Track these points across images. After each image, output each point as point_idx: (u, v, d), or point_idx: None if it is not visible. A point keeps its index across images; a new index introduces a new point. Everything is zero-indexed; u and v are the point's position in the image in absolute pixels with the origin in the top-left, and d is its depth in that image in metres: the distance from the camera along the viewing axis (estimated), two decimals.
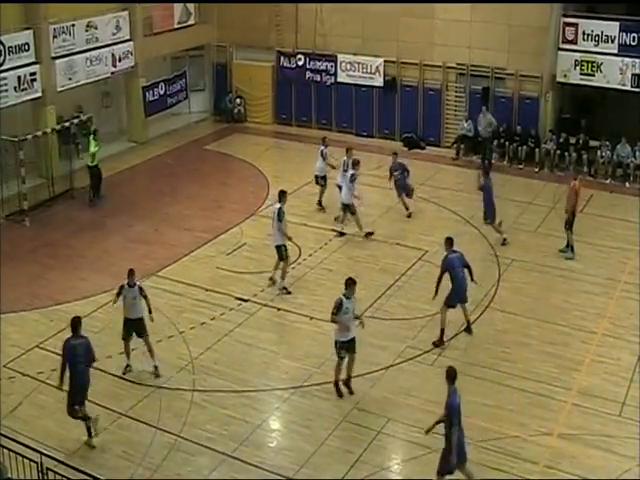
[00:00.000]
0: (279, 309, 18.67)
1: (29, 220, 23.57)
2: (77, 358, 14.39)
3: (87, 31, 27.64)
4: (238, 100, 32.58)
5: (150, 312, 16.59)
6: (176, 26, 31.56)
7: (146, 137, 30.42)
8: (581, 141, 27.04)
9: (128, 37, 29.24)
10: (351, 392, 15.77)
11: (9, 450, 12.22)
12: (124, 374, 16.54)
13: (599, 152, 26.58)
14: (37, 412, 15.44)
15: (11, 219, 23.86)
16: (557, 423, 14.88)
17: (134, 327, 16.51)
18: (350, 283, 15.50)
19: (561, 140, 27.23)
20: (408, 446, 14.47)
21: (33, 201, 24.25)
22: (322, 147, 24.01)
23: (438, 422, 13.05)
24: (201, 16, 32.59)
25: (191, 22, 32.24)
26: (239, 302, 19.00)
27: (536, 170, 27.21)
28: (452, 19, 28.49)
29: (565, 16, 26.69)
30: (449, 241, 17.48)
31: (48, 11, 25.96)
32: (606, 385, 15.95)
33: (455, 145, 28.60)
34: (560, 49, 26.86)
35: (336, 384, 15.74)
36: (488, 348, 17.15)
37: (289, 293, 19.31)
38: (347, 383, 15.82)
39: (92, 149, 24.61)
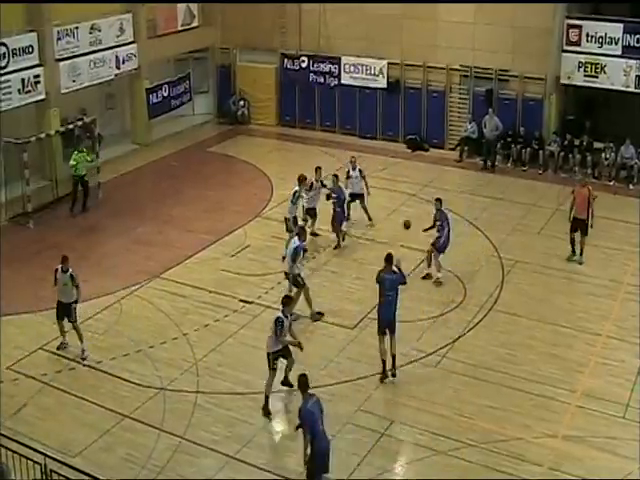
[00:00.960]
0: (291, 314, 18.61)
1: (33, 222, 23.57)
2: None
3: (91, 33, 27.70)
4: (242, 102, 32.58)
5: (76, 302, 17.28)
6: (180, 28, 31.58)
7: (150, 139, 30.43)
8: (585, 143, 26.99)
9: (132, 39, 29.28)
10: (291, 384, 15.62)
11: (13, 452, 12.22)
12: (58, 349, 17.36)
13: (603, 154, 26.56)
14: (41, 414, 15.44)
15: (15, 221, 23.87)
16: (561, 425, 14.85)
17: (64, 310, 17.25)
18: (287, 302, 15.62)
19: (565, 142, 27.22)
20: (412, 448, 14.47)
21: (37, 203, 24.24)
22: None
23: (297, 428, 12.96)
24: (205, 18, 32.61)
25: (195, 24, 32.27)
26: (243, 304, 19.00)
27: (540, 172, 27.18)
28: (456, 21, 28.46)
29: (569, 18, 26.69)
30: (388, 259, 16.32)
31: (52, 13, 25.99)
32: (610, 387, 15.92)
33: (459, 147, 28.57)
34: (564, 51, 26.87)
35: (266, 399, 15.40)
36: (492, 350, 17.12)
37: (322, 315, 18.61)
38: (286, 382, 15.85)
39: (71, 162, 24.50)
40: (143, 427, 14.95)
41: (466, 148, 28.36)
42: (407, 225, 19.63)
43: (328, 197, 21.74)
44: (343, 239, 21.82)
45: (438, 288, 19.64)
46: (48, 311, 18.49)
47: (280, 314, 15.37)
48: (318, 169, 21.98)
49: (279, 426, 15.35)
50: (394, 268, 16.24)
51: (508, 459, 13.96)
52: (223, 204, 24.37)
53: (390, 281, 16.13)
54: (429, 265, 19.91)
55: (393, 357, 16.18)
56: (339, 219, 21.68)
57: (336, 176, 22.06)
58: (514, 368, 16.48)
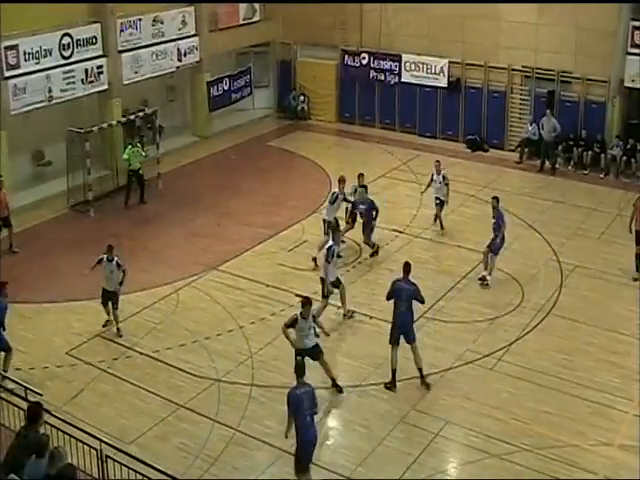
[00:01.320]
0: (339, 307, 18.63)
1: (93, 211, 23.92)
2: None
3: (153, 25, 27.99)
4: (302, 97, 32.63)
5: (121, 284, 17.76)
6: (241, 22, 31.76)
7: (210, 132, 30.63)
8: None
9: (193, 32, 29.52)
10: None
11: (70, 436, 12.38)
12: (104, 327, 17.97)
13: None
14: (98, 400, 15.66)
15: (76, 209, 24.27)
16: (617, 434, 14.63)
17: (108, 297, 17.81)
18: (305, 303, 15.24)
19: (628, 146, 26.81)
20: (466, 450, 14.37)
21: (98, 192, 24.61)
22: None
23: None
24: (266, 13, 32.74)
25: (256, 19, 32.41)
26: (299, 299, 18.87)
27: (601, 176, 26.81)
28: (518, 21, 28.18)
29: (634, 20, 26.22)
30: (406, 267, 15.98)
31: (115, 5, 26.30)
32: None
33: (519, 149, 28.31)
34: (628, 53, 26.40)
35: None
36: (549, 355, 16.93)
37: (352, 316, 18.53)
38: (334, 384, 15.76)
39: (124, 156, 24.71)
40: (198, 417, 15.07)
41: (526, 150, 28.07)
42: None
43: (353, 209, 21.13)
44: (376, 251, 21.26)
45: (494, 290, 19.48)
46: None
47: (298, 316, 15.20)
48: (361, 175, 21.62)
49: (331, 422, 15.33)
50: (411, 279, 15.93)
51: (562, 465, 13.79)
52: (281, 198, 24.45)
53: (407, 292, 15.70)
54: (486, 267, 19.76)
55: (420, 370, 15.84)
56: (368, 230, 21.09)
57: (364, 187, 21.38)
58: (571, 374, 16.28)
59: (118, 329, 17.88)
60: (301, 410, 12.82)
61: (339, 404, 15.64)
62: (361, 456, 14.11)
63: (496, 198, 19.93)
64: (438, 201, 22.39)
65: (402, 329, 15.64)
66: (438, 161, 22.93)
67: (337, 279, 18.02)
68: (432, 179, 22.51)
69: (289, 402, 12.91)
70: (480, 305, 18.80)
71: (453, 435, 14.67)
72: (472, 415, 15.10)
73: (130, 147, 24.57)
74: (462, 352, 16.95)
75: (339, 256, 18.74)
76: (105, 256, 17.66)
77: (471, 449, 14.30)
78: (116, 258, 17.67)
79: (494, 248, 19.64)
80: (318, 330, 15.59)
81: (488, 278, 19.65)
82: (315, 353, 15.45)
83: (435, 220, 22.68)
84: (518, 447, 14.22)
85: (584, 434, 14.57)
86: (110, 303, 17.87)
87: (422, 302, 16.02)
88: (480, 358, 16.81)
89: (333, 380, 15.75)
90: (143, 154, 24.81)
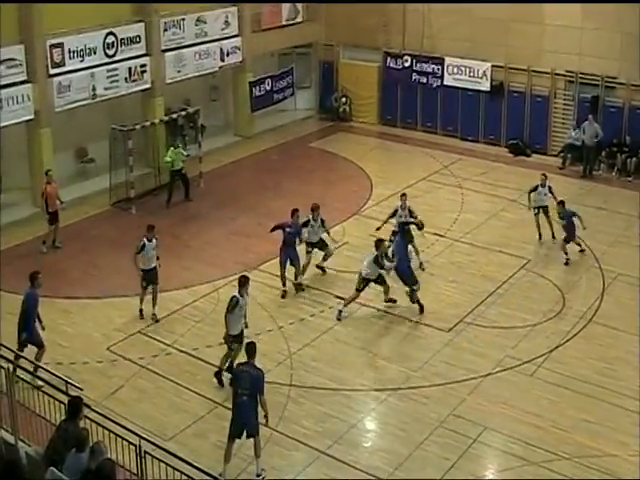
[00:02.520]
0: (379, 310, 18.64)
1: (135, 208, 24.09)
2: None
3: (197, 25, 28.13)
4: (344, 99, 32.60)
5: (158, 258, 18.37)
6: (284, 23, 31.80)
7: (252, 132, 30.72)
8: None
9: (236, 32, 29.62)
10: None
11: (109, 431, 12.44)
12: (141, 318, 18.36)
13: None
14: (137, 396, 15.77)
15: (118, 206, 24.46)
16: None
17: (149, 277, 18.28)
18: (243, 281, 16.07)
19: None
20: (504, 457, 14.27)
21: (140, 189, 24.76)
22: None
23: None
24: (309, 14, 32.76)
25: (299, 20, 32.45)
26: (339, 300, 19.03)
27: None
28: (562, 25, 27.92)
29: None
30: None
31: (159, 5, 26.49)
32: None
33: (562, 154, 28.07)
34: None
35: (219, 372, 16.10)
36: (590, 362, 16.76)
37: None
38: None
39: (166, 158, 24.69)
40: None
41: (569, 155, 27.82)
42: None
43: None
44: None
45: (534, 297, 19.36)
46: (148, 296, 18.87)
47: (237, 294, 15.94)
48: (403, 196, 20.68)
49: (369, 425, 15.33)
50: None
51: (601, 475, 13.65)
52: (322, 200, 24.27)
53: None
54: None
55: None
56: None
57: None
58: (612, 383, 16.09)
59: (154, 314, 18.31)
60: (236, 387, 13.46)
61: (377, 407, 15.62)
62: (398, 459, 14.07)
63: (562, 202, 20.78)
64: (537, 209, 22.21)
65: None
66: (544, 174, 22.78)
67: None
68: (536, 189, 22.19)
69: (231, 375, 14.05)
70: (520, 311, 18.67)
71: (491, 441, 14.58)
72: (511, 422, 14.99)
73: (172, 149, 24.60)
74: (502, 358, 16.83)
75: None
76: (146, 237, 18.24)
77: (509, 456, 14.19)
78: (155, 240, 18.31)
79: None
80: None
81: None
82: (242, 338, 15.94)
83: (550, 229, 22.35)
84: (557, 455, 14.10)
85: (625, 444, 14.40)
86: (151, 285, 18.30)
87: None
88: (520, 364, 16.67)
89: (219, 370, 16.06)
90: (185, 154, 24.87)
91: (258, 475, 13.73)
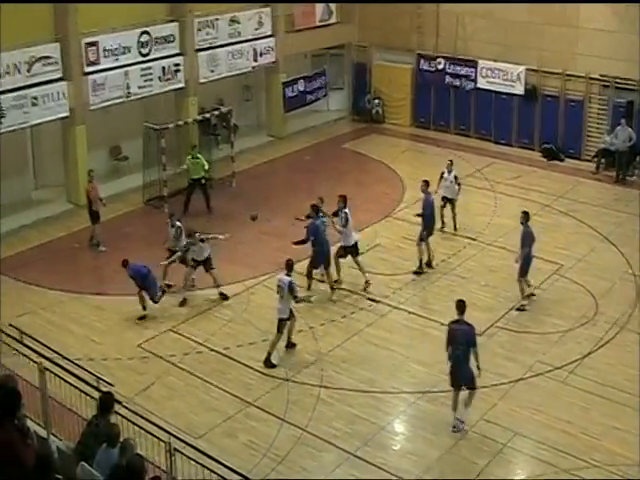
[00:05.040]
0: (410, 312, 18.61)
1: (168, 206, 24.13)
2: None
3: (230, 25, 28.26)
4: (377, 101, 32.55)
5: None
6: (317, 24, 31.83)
7: (285, 132, 30.78)
8: None
9: (270, 33, 29.71)
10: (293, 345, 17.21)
11: (139, 427, 12.51)
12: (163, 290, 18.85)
13: None
14: (168, 393, 15.86)
15: (151, 204, 24.59)
16: None
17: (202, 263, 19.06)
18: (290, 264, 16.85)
19: None
20: (534, 463, 14.20)
21: (172, 188, 24.80)
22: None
23: None
24: (342, 15, 32.76)
25: (332, 21, 32.46)
26: (370, 302, 19.04)
27: None
28: (597, 29, 27.66)
29: None
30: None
31: (194, 5, 26.61)
32: None
33: (595, 159, 27.85)
34: None
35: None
36: (622, 370, 16.58)
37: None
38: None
39: (184, 165, 24.44)
40: (266, 416, 15.17)
41: (603, 160, 27.60)
42: (253, 218, 21.03)
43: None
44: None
45: (567, 302, 19.18)
46: (180, 294, 18.99)
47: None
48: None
49: (399, 427, 15.31)
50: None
51: None
52: (355, 201, 24.18)
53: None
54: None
55: None
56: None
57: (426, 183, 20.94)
58: None
59: (220, 293, 19.24)
60: (452, 343, 14.67)
61: (407, 409, 15.59)
62: (427, 463, 14.04)
63: (526, 213, 19.28)
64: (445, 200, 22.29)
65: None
66: (451, 160, 22.95)
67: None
68: (442, 177, 22.37)
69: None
70: (552, 316, 18.55)
71: (521, 447, 14.50)
72: (542, 428, 14.89)
73: (190, 157, 24.20)
74: (533, 363, 16.73)
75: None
76: (169, 221, 19.57)
77: (539, 462, 14.11)
78: (178, 223, 19.12)
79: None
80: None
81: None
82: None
83: (443, 223, 22.44)
84: (588, 463, 13.98)
85: None
86: (205, 268, 19.06)
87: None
88: (551, 370, 16.56)
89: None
90: (205, 168, 24.31)
91: (454, 427, 14.70)
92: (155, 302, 18.44)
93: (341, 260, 19.86)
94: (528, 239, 18.81)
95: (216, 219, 23.77)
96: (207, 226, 22.90)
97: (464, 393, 14.86)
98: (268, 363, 16.61)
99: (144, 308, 18.47)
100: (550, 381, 16.28)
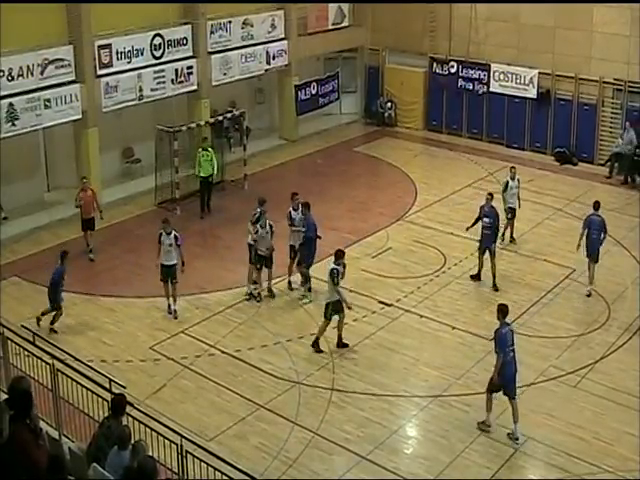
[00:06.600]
0: (422, 316, 18.57)
1: (180, 209, 24.21)
2: None
3: (243, 28, 28.27)
4: (389, 104, 32.50)
5: (183, 264, 18.41)
6: (330, 27, 31.83)
7: (297, 135, 30.77)
8: None
9: (282, 36, 29.70)
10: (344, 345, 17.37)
11: (151, 429, 12.50)
12: (169, 313, 18.60)
13: None
14: (179, 396, 15.86)
15: (163, 207, 24.58)
16: None
17: (167, 273, 18.38)
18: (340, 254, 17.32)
19: None
20: (546, 467, 14.14)
21: (184, 191, 24.86)
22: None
23: None
24: (355, 19, 32.76)
25: (345, 24, 32.45)
26: (382, 306, 19.00)
27: None
28: (611, 33, 27.61)
29: None
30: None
31: (206, 7, 26.64)
32: None
33: (609, 163, 27.75)
34: None
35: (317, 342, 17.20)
36: (634, 375, 16.49)
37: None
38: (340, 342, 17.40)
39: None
40: (277, 418, 15.15)
41: (616, 164, 27.51)
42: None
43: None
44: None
45: (579, 307, 19.23)
46: (192, 296, 19.05)
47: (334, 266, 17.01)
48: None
49: (412, 431, 15.27)
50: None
51: None
52: (367, 205, 24.41)
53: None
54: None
55: None
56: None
57: (491, 195, 20.53)
58: None
59: (175, 310, 18.60)
60: (505, 346, 14.61)
61: (419, 413, 15.54)
62: (439, 467, 13.99)
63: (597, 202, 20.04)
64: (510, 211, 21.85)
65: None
66: (513, 166, 22.67)
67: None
68: (507, 187, 21.98)
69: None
70: (564, 321, 18.49)
71: (533, 452, 14.45)
72: (554, 432, 14.83)
73: (200, 150, 24.25)
74: (545, 368, 16.68)
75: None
76: (163, 230, 18.32)
77: (552, 467, 14.05)
78: (174, 232, 18.35)
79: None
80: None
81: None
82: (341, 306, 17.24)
83: (504, 232, 21.98)
84: (600, 468, 13.93)
85: None
86: (170, 279, 18.44)
87: None
88: (563, 375, 16.50)
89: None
90: (215, 160, 24.41)
91: (517, 438, 14.61)
92: None
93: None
94: (595, 225, 19.57)
95: (227, 221, 23.78)
96: (219, 229, 23.06)
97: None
98: (316, 347, 17.14)
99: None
100: (562, 386, 16.22)
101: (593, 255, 19.50)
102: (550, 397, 15.87)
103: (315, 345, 17.18)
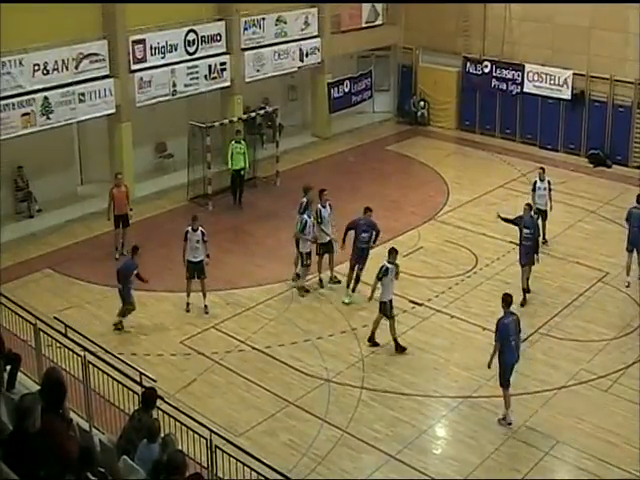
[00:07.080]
0: (452, 316, 18.50)
1: (212, 204, 24.28)
2: None
3: (276, 25, 28.28)
4: (422, 103, 32.40)
5: (208, 256, 18.47)
6: (363, 25, 31.78)
7: (329, 133, 30.75)
8: None
9: (316, 33, 29.69)
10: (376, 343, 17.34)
11: (181, 424, 12.55)
12: (187, 311, 18.56)
13: None
14: (209, 390, 15.90)
15: (195, 202, 24.66)
16: None
17: (194, 269, 18.40)
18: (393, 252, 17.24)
19: None
20: (576, 472, 14.00)
21: (217, 186, 24.92)
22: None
23: None
24: (389, 17, 32.70)
25: (378, 22, 32.39)
26: (413, 305, 18.96)
27: None
28: None
29: None
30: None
31: (240, 4, 26.69)
32: None
33: None
34: None
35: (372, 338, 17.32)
36: None
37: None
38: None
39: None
40: (307, 416, 15.16)
41: None
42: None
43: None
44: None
45: (611, 311, 18.99)
46: (223, 292, 19.09)
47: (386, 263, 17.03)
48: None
49: (440, 432, 15.22)
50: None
51: None
52: (399, 204, 24.29)
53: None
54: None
55: None
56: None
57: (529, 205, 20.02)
58: None
59: (206, 306, 18.57)
60: (508, 335, 14.78)
61: (448, 414, 15.49)
62: (467, 468, 13.93)
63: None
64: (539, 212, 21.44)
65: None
66: (542, 168, 22.40)
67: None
68: (535, 188, 21.81)
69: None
70: (596, 324, 18.31)
71: (563, 455, 14.34)
72: (584, 436, 14.71)
73: (233, 142, 24.39)
74: (576, 371, 16.54)
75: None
76: (191, 227, 18.33)
77: (581, 471, 13.93)
78: (200, 228, 18.40)
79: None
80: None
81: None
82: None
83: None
84: (631, 473, 13.79)
85: None
86: (196, 275, 18.45)
87: None
88: (595, 379, 16.36)
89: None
90: (246, 153, 24.48)
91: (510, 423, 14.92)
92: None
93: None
94: (636, 218, 19.96)
95: (259, 217, 23.82)
96: (250, 225, 23.06)
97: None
98: (372, 341, 17.28)
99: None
100: (593, 390, 16.08)
101: (636, 248, 19.69)
102: (581, 401, 15.74)
103: (371, 339, 17.33)
